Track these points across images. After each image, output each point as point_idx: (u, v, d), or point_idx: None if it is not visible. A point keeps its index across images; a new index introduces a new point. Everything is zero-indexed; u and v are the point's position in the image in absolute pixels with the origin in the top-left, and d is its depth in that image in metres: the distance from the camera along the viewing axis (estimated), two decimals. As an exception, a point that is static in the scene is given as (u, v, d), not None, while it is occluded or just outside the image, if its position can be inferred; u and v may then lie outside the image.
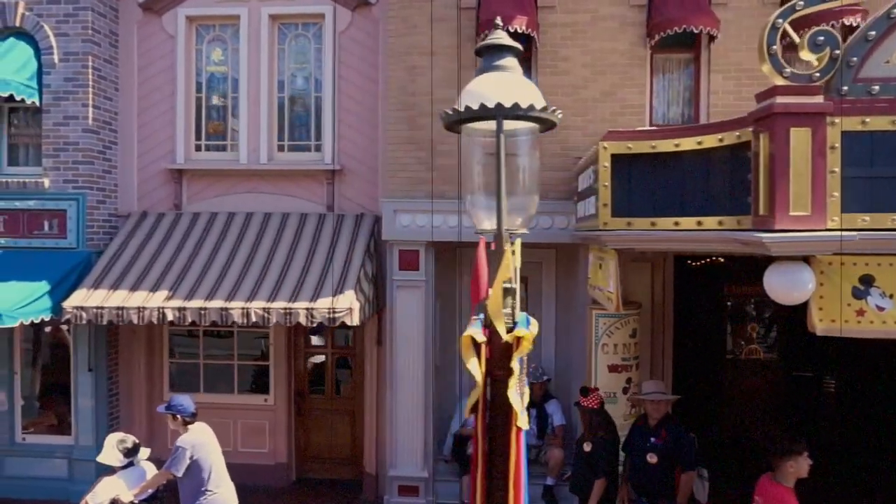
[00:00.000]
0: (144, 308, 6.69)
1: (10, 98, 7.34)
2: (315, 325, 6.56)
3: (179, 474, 5.07)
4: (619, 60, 6.97)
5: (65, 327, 7.93)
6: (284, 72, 7.98)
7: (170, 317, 6.65)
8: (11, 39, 7.51)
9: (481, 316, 2.73)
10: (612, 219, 5.08)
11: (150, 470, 5.27)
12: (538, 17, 6.91)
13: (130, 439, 5.28)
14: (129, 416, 8.07)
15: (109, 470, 5.26)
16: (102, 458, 5.17)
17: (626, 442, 5.83)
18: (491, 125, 2.82)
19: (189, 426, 5.24)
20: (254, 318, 6.56)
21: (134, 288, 6.96)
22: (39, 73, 7.54)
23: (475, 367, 2.57)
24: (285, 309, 6.56)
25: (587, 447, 5.71)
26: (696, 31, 6.39)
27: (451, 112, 2.80)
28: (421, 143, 7.15)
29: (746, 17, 6.73)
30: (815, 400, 9.43)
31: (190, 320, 6.65)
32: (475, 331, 2.58)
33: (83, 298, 6.87)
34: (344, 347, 8.26)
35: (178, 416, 5.22)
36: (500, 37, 2.90)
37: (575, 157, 6.94)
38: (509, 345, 2.59)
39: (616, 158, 5.03)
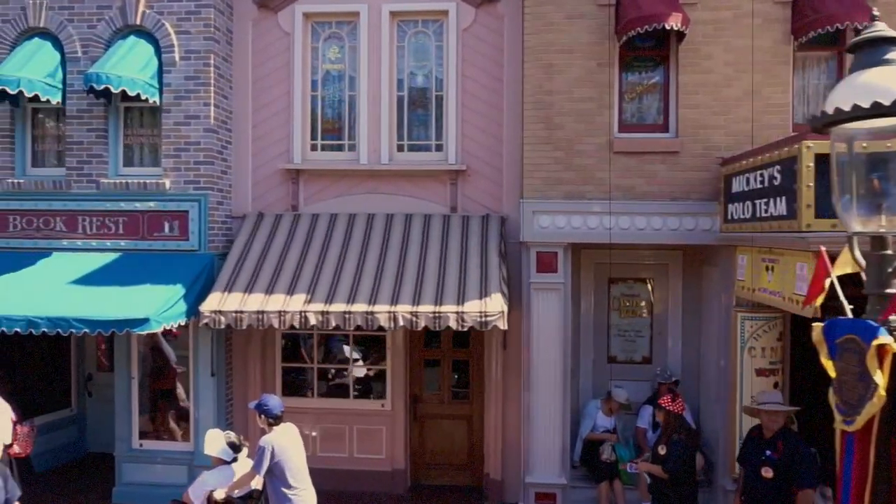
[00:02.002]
0: (285, 312, 6.54)
1: (135, 97, 7.20)
2: (465, 328, 6.41)
3: (260, 474, 5.12)
4: (761, 58, 6.83)
5: (158, 331, 7.75)
6: (403, 70, 7.83)
7: (312, 321, 6.50)
8: (132, 38, 7.34)
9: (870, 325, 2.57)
10: (816, 220, 4.96)
11: (244, 468, 5.32)
12: (679, 14, 6.79)
13: (233, 435, 5.45)
14: (243, 422, 7.89)
15: (210, 465, 5.48)
16: (209, 451, 5.36)
17: (740, 454, 5.71)
18: (868, 124, 2.68)
19: (273, 427, 5.24)
20: (401, 323, 6.41)
21: (268, 291, 6.81)
22: (159, 72, 7.37)
23: (880, 379, 2.43)
24: (434, 313, 6.41)
25: (662, 450, 5.74)
26: (859, 28, 6.25)
27: (848, 109, 2.65)
28: (558, 143, 7.01)
29: (898, 13, 6.61)
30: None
31: (334, 324, 6.50)
32: (888, 339, 2.44)
33: (219, 302, 6.71)
34: (461, 351, 8.10)
35: (264, 416, 5.25)
36: (883, 29, 2.75)
37: (717, 157, 6.84)
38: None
39: (821, 158, 4.91)
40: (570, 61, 6.99)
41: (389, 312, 6.43)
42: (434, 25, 7.78)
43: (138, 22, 7.38)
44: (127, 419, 7.63)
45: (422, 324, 6.40)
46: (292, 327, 6.55)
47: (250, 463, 5.32)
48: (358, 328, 6.53)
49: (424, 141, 7.87)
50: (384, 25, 7.66)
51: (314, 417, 7.91)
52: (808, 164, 4.93)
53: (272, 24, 7.86)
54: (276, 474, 5.12)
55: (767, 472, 5.17)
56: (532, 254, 7.00)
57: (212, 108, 7.37)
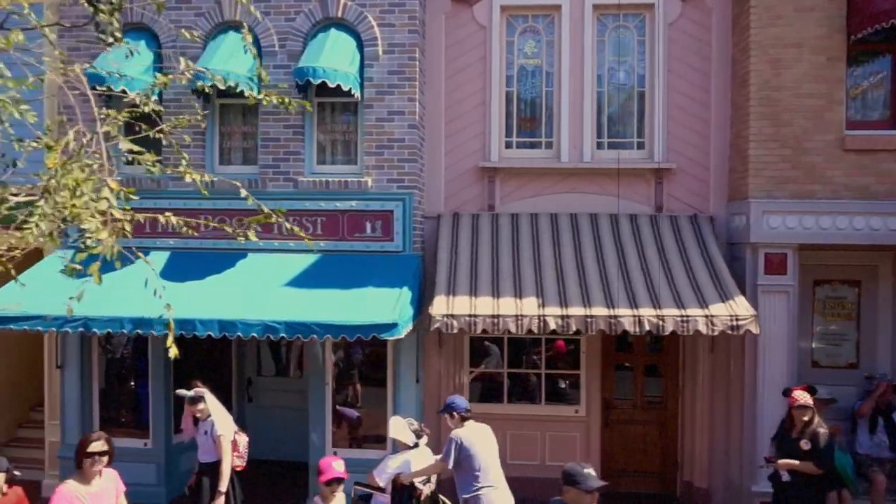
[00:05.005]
0: (523, 316, 6.29)
1: (330, 93, 6.93)
2: (715, 333, 6.17)
3: (449, 465, 5.21)
4: None
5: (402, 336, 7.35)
6: (603, 65, 7.58)
7: (552, 325, 6.25)
8: (333, 31, 7.06)
9: None
10: None
11: (425, 456, 5.38)
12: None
13: (415, 422, 5.56)
14: (436, 428, 7.58)
15: (394, 452, 5.58)
16: (394, 434, 5.45)
17: None
18: None
19: (464, 423, 5.33)
20: (647, 327, 6.17)
21: (495, 294, 6.56)
22: (361, 66, 7.10)
23: None
24: (682, 317, 6.17)
25: (806, 445, 5.59)
26: None
27: None
28: (785, 141, 6.78)
29: None
30: None
31: (574, 329, 6.26)
32: None
33: (446, 306, 6.45)
34: (654, 355, 7.86)
35: (455, 413, 5.35)
36: None
37: (952, 154, 6.62)
38: None
39: None
40: (798, 56, 6.76)
41: (634, 317, 6.19)
42: (635, 20, 7.53)
43: (339, 14, 7.12)
44: (321, 426, 7.35)
45: (669, 328, 6.16)
46: (530, 331, 6.29)
47: (429, 452, 5.43)
48: (601, 332, 6.28)
49: (625, 139, 7.62)
50: (587, 19, 7.41)
51: (505, 423, 7.61)
52: None
53: (467, 17, 7.60)
54: (463, 468, 5.20)
55: None
56: (760, 255, 6.76)
57: (416, 103, 7.11)
